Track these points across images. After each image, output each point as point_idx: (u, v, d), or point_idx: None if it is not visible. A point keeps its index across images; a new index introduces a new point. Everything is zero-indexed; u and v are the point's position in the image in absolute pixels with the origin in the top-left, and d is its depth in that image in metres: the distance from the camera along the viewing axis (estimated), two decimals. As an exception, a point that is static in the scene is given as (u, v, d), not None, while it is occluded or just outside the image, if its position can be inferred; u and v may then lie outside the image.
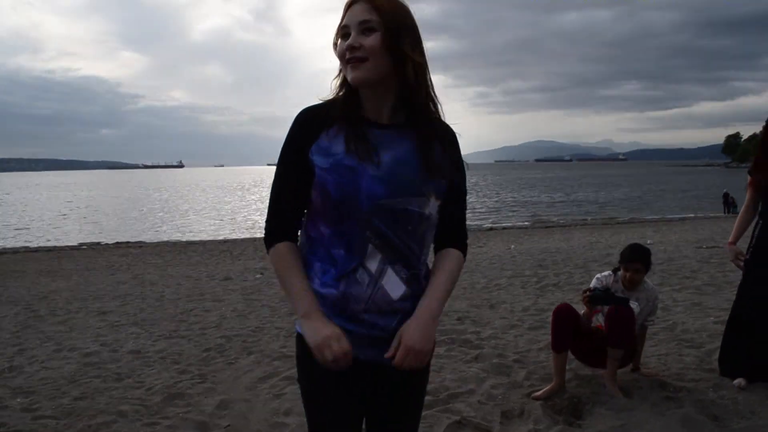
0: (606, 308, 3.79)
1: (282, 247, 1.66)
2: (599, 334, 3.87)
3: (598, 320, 3.95)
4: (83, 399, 4.35)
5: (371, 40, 1.56)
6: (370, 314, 1.63)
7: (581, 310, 3.89)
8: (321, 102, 1.69)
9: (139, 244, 22.32)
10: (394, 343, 1.61)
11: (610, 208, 37.16)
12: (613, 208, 36.45)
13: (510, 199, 46.16)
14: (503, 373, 4.39)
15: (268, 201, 1.74)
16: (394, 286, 1.64)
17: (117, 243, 23.28)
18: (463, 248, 1.81)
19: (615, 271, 4.01)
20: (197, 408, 4.07)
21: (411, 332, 1.61)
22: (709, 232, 16.18)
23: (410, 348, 1.59)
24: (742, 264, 3.99)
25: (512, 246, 14.92)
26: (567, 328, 3.79)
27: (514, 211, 35.91)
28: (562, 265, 9.88)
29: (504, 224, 25.86)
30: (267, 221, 1.70)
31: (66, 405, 4.23)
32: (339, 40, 1.62)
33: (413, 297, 1.67)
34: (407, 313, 1.66)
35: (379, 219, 1.60)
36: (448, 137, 1.73)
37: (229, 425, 3.75)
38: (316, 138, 1.63)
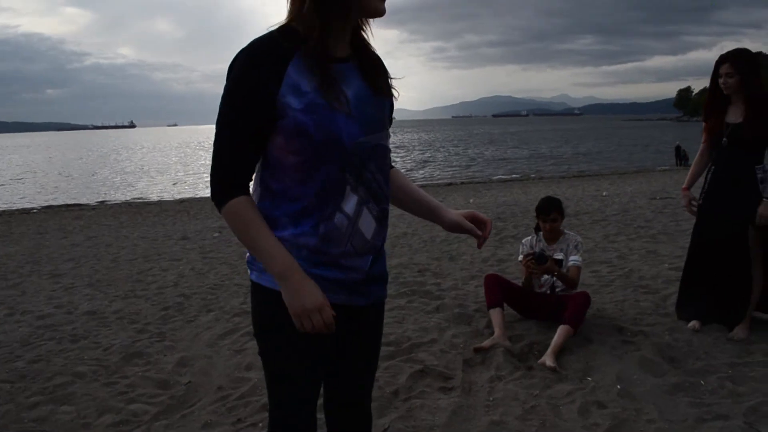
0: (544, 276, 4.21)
1: (239, 202, 1.51)
2: (530, 293, 4.31)
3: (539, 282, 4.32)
4: (38, 362, 4.24)
5: None
6: (347, 258, 1.60)
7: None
8: (271, 32, 1.52)
9: (93, 207, 21.75)
10: (468, 226, 1.80)
11: (565, 161, 37.68)
12: (569, 162, 36.96)
13: (472, 153, 46.36)
14: (464, 323, 4.43)
15: (213, 146, 1.54)
16: (368, 225, 1.61)
17: (69, 205, 22.64)
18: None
19: (536, 230, 4.37)
20: (157, 366, 4.00)
21: (468, 212, 1.84)
22: (662, 184, 16.57)
23: (487, 219, 1.85)
24: (695, 209, 4.07)
25: (471, 200, 15.04)
26: (495, 291, 4.20)
27: (472, 166, 36.12)
28: (521, 218, 10.00)
29: (462, 180, 26.07)
30: (215, 175, 1.54)
31: (20, 368, 4.11)
32: None
33: (382, 233, 1.67)
34: (377, 250, 1.67)
35: (357, 159, 1.55)
36: (382, 63, 1.69)
37: (190, 381, 3.69)
38: (283, 76, 1.47)
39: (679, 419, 2.85)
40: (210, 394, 3.50)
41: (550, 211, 4.21)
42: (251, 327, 3.91)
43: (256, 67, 1.47)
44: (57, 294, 6.55)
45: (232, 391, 3.50)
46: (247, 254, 1.67)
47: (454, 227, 1.82)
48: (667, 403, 3.03)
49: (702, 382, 3.22)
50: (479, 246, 1.85)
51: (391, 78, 1.70)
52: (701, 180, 4.12)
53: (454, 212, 1.82)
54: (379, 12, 1.54)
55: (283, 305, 1.55)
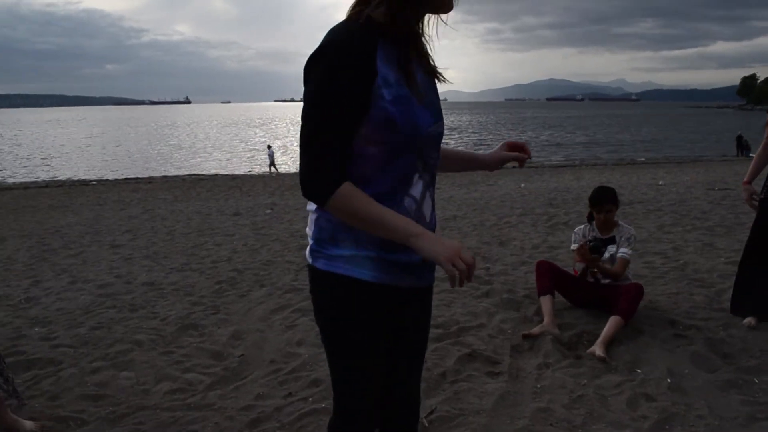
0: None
1: (347, 187, 1.49)
2: (582, 281, 4.23)
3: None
4: (99, 329, 4.43)
5: None
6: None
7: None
8: (347, 24, 1.52)
9: (149, 180, 22.38)
10: (511, 155, 1.94)
11: (621, 148, 36.77)
12: (625, 149, 36.05)
13: (525, 137, 45.73)
14: (513, 309, 4.43)
15: (303, 142, 1.50)
16: (428, 207, 1.67)
17: (126, 179, 23.36)
18: None
19: (589, 219, 4.30)
20: (211, 338, 4.15)
21: (501, 145, 1.97)
22: (721, 174, 16.03)
23: (523, 143, 1.97)
24: (756, 203, 3.95)
25: (522, 185, 14.86)
26: (546, 278, 4.17)
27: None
28: (573, 204, 9.85)
29: (513, 164, 25.66)
30: (314, 174, 1.49)
31: (83, 334, 4.31)
32: None
33: (434, 213, 1.74)
34: (432, 229, 1.72)
35: (428, 147, 1.62)
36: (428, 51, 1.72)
37: (243, 354, 3.82)
38: (375, 69, 1.47)
39: (731, 416, 2.81)
40: (262, 367, 3.61)
41: (605, 202, 4.13)
42: (302, 303, 3.95)
43: (347, 64, 1.45)
44: (116, 264, 6.81)
45: (283, 365, 3.60)
46: (311, 242, 1.67)
47: (498, 162, 1.96)
48: (719, 399, 2.98)
49: (756, 380, 3.15)
50: (521, 166, 1.98)
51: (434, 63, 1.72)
52: (764, 173, 3.99)
53: (491, 152, 1.96)
54: (448, 7, 1.56)
55: (357, 290, 1.59)
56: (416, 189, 1.61)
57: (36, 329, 4.48)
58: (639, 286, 3.98)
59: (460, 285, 1.47)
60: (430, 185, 1.67)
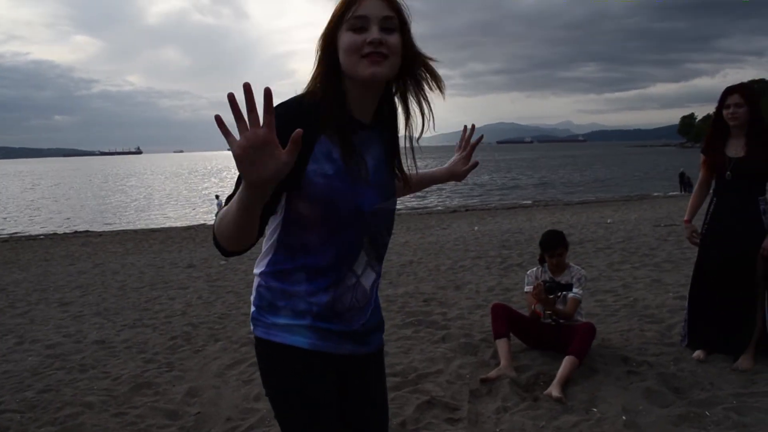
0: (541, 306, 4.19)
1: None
2: (536, 323, 4.30)
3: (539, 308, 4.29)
4: (48, 391, 4.28)
5: (394, 39, 1.51)
6: (351, 312, 1.66)
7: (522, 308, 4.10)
8: (298, 96, 1.52)
9: (99, 233, 21.87)
10: (466, 168, 2.10)
11: (571, 188, 37.76)
12: (574, 189, 37.03)
13: (472, 182, 46.52)
14: (470, 353, 4.46)
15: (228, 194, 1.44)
16: (368, 279, 1.67)
17: (76, 232, 22.79)
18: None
19: (541, 262, 4.40)
20: (166, 396, 4.04)
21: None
22: (666, 211, 16.60)
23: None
24: (697, 241, 4.12)
25: (476, 227, 15.08)
26: (502, 321, 4.22)
27: (475, 193, 36.22)
28: (525, 245, 10.03)
29: (467, 207, 26.14)
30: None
31: (30, 398, 4.15)
32: (346, 32, 1.50)
33: (376, 282, 1.74)
34: (374, 300, 1.74)
35: (373, 224, 1.62)
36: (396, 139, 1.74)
37: (199, 412, 3.73)
38: (315, 142, 1.48)
39: (685, 451, 2.87)
40: (219, 425, 3.53)
41: (556, 246, 4.24)
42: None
43: (288, 130, 1.37)
44: (65, 323, 6.60)
45: (240, 422, 3.52)
46: (252, 310, 1.68)
47: (458, 171, 2.09)
48: (673, 434, 3.04)
49: (707, 413, 3.23)
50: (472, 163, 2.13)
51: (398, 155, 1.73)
52: (703, 209, 4.17)
53: (446, 166, 2.10)
54: (370, 75, 1.49)
55: (296, 358, 1.59)
56: (359, 266, 1.63)
57: (-20, 394, 4.30)
58: (591, 325, 4.07)
59: (254, 143, 1.19)
60: (373, 260, 1.67)
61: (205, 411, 3.75)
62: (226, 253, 1.46)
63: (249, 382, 4.16)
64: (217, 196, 26.91)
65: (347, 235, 1.57)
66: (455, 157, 2.08)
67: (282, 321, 1.61)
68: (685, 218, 4.21)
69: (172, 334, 5.69)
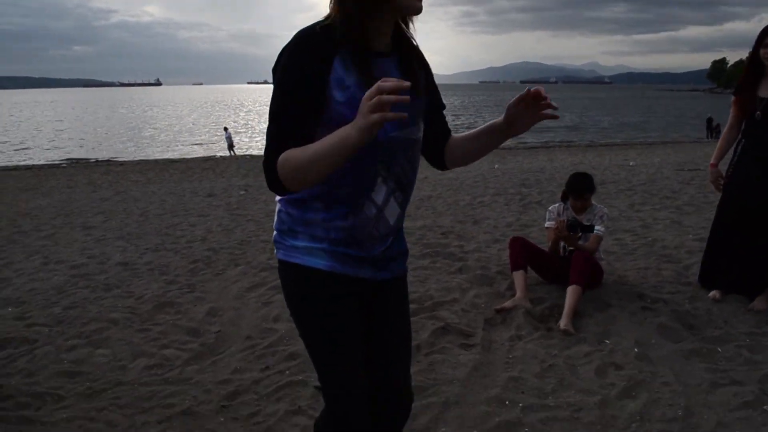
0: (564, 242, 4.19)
1: (281, 157, 1.47)
2: (554, 258, 4.32)
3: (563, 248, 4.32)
4: (74, 308, 4.41)
5: None
6: (372, 241, 1.69)
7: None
8: (312, 26, 1.53)
9: (120, 163, 22.07)
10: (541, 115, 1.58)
11: (594, 130, 37.14)
12: (600, 132, 36.43)
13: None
14: (486, 284, 4.51)
15: (266, 133, 1.52)
16: (392, 212, 1.69)
17: (97, 161, 23.02)
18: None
19: (563, 199, 4.34)
20: (187, 315, 4.16)
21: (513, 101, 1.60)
22: (691, 156, 16.33)
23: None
24: (721, 185, 4.06)
25: (496, 165, 14.96)
26: (520, 253, 4.23)
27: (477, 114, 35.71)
28: (546, 184, 9.97)
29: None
30: (266, 162, 1.50)
31: (57, 314, 4.29)
32: None
33: (402, 216, 1.76)
34: (397, 232, 1.77)
35: (389, 152, 1.61)
36: (423, 58, 1.73)
37: (219, 331, 3.84)
38: (330, 67, 1.49)
39: (695, 383, 2.91)
40: (239, 342, 3.64)
41: (584, 191, 4.18)
42: (278, 281, 4.02)
43: (306, 56, 1.48)
44: (89, 245, 6.74)
45: (260, 340, 3.63)
46: (275, 234, 1.72)
47: (516, 121, 1.62)
48: (684, 367, 3.09)
49: (719, 349, 3.27)
50: (551, 114, 1.59)
51: (429, 72, 1.74)
52: (729, 156, 4.10)
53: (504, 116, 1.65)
54: (416, 10, 1.53)
55: (316, 279, 1.64)
56: (379, 195, 1.63)
57: (9, 309, 4.44)
58: (584, 252, 4.05)
59: (393, 105, 1.29)
60: (396, 191, 1.67)
61: (225, 330, 3.86)
62: (285, 193, 1.53)
63: (268, 304, 4.26)
64: (225, 128, 26.75)
65: (362, 163, 1.56)
66: (512, 103, 1.60)
67: (301, 244, 1.65)
68: (712, 161, 4.14)
69: (193, 258, 5.80)
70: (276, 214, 1.72)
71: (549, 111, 1.57)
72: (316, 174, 1.44)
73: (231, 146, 25.30)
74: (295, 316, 1.75)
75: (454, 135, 1.85)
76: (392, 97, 1.28)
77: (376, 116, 1.29)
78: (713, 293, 4.04)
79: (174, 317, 4.13)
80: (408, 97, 1.31)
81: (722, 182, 4.06)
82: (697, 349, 3.27)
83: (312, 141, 1.48)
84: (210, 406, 2.88)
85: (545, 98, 1.54)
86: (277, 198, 1.71)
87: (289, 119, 1.50)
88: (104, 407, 2.91)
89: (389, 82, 1.29)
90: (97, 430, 2.70)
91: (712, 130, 28.98)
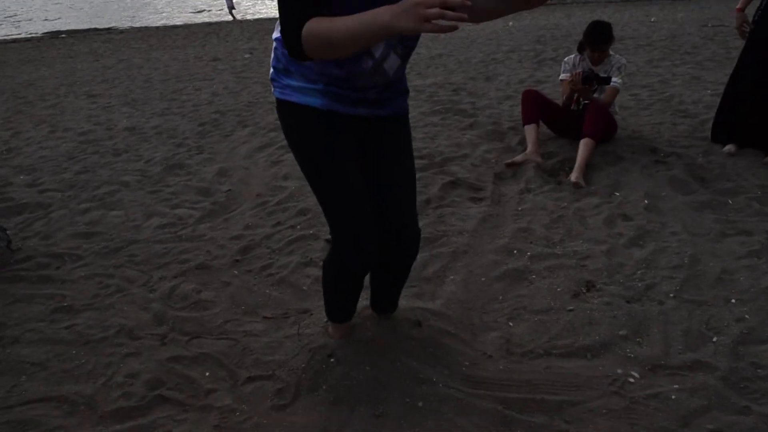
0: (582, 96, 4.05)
1: (307, 27, 1.41)
2: (567, 111, 4.19)
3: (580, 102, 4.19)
4: (85, 173, 4.44)
5: None
6: (366, 88, 1.68)
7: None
8: None
9: (120, 30, 21.40)
10: None
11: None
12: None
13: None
14: (497, 139, 4.44)
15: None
16: (392, 64, 1.65)
17: (97, 30, 22.32)
18: None
19: (580, 50, 4.14)
20: (198, 176, 4.17)
21: None
22: (716, 12, 15.48)
23: None
24: (747, 32, 3.84)
25: (511, 23, 14.33)
26: (532, 106, 4.11)
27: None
28: (562, 41, 9.57)
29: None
30: (285, 28, 1.45)
31: (69, 179, 4.32)
32: None
33: (403, 67, 1.71)
34: (397, 82, 1.75)
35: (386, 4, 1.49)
36: None
37: (230, 189, 3.87)
38: None
39: (703, 233, 2.92)
40: (249, 200, 3.67)
41: (602, 41, 3.95)
42: (286, 141, 3.96)
43: None
44: (95, 112, 6.68)
45: (270, 198, 3.66)
46: (271, 71, 1.73)
47: None
48: (693, 218, 3.08)
49: (730, 201, 3.25)
50: None
51: None
52: (757, 1, 3.85)
53: None
54: None
55: (311, 115, 1.65)
56: (377, 49, 1.58)
57: (21, 177, 4.48)
58: (599, 104, 3.95)
59: (453, 24, 1.22)
60: (398, 45, 1.62)
61: (236, 189, 3.88)
62: (306, 59, 1.49)
63: (277, 163, 4.25)
64: None
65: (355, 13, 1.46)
66: None
67: (295, 83, 1.67)
68: (738, 6, 3.89)
69: (200, 121, 5.74)
70: (273, 50, 1.70)
71: None
72: (343, 50, 1.40)
73: (231, 8, 24.27)
74: (294, 150, 1.77)
75: None
76: (455, 14, 1.19)
77: (430, 26, 1.21)
78: (728, 147, 3.96)
79: (184, 178, 4.15)
80: (466, 16, 1.22)
81: (747, 29, 3.84)
82: (707, 201, 3.25)
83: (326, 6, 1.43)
84: (224, 260, 2.95)
85: None
86: (274, 36, 1.68)
87: None
88: (121, 264, 2.99)
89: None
90: (116, 285, 2.79)
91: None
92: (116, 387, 2.08)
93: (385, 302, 2.23)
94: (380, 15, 1.31)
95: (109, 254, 3.11)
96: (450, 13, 1.19)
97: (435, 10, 1.20)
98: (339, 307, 2.11)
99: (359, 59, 1.59)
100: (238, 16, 24.31)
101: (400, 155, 1.86)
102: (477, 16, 1.66)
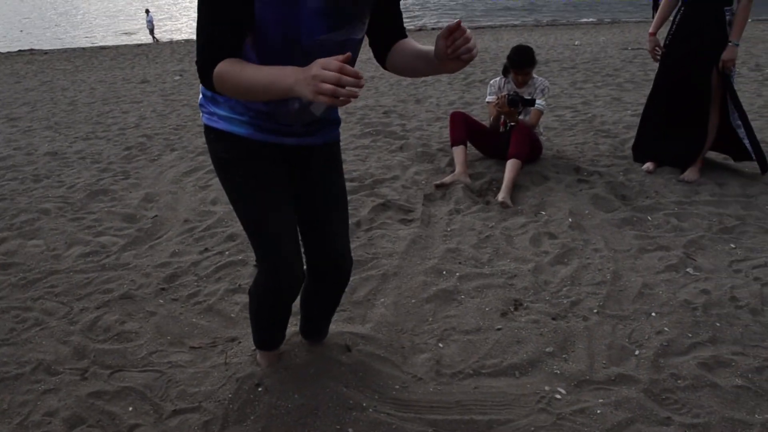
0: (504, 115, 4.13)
1: (220, 67, 1.43)
2: (494, 132, 4.30)
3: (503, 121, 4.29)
4: (2, 200, 4.24)
5: None
6: (295, 125, 1.70)
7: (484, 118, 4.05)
8: None
9: (45, 51, 20.67)
10: (443, 47, 1.45)
11: (538, 10, 36.53)
12: (542, 11, 35.85)
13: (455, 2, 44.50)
14: (427, 161, 4.51)
15: (196, 35, 1.49)
16: (319, 106, 1.69)
17: (19, 51, 21.49)
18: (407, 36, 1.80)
19: (505, 74, 4.27)
20: (123, 202, 4.04)
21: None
22: (635, 35, 16.29)
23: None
24: (659, 56, 4.05)
25: (441, 48, 14.68)
26: (460, 128, 4.18)
27: (443, 11, 34.79)
28: (490, 63, 9.85)
29: (433, 25, 25.23)
30: (200, 58, 1.46)
31: (-16, 207, 4.11)
32: None
33: (332, 108, 1.76)
34: (326, 121, 1.78)
35: (318, 53, 1.53)
36: None
37: (156, 216, 3.76)
38: None
39: (624, 249, 3.03)
40: (177, 226, 3.58)
41: (524, 65, 4.09)
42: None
43: None
44: (15, 137, 6.40)
45: (198, 223, 3.58)
46: (200, 97, 1.74)
47: (445, 57, 1.49)
48: (614, 235, 3.20)
49: (649, 218, 3.39)
50: (468, 55, 1.44)
51: None
52: (668, 26, 4.06)
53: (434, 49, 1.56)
54: None
55: (238, 142, 1.66)
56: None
57: (-69, 204, 4.23)
58: (525, 126, 4.05)
59: (346, 98, 1.26)
60: None
61: (163, 214, 3.78)
62: (218, 94, 1.54)
63: (205, 188, 4.17)
64: (147, 11, 24.90)
65: (283, 63, 1.49)
66: (441, 34, 1.47)
67: (222, 112, 1.67)
68: (650, 31, 4.10)
69: (126, 145, 5.58)
70: None
71: (464, 51, 1.42)
72: (251, 97, 1.44)
73: (152, 31, 23.83)
74: (220, 175, 1.76)
75: (406, 41, 1.71)
76: (351, 80, 1.24)
77: (324, 98, 1.25)
78: (647, 165, 4.14)
79: (108, 204, 4.01)
80: (358, 92, 1.26)
81: (659, 53, 4.05)
82: (627, 218, 3.38)
83: (244, 31, 1.45)
84: (149, 289, 2.86)
85: (461, 31, 1.40)
86: None
87: (220, 29, 1.43)
88: (40, 296, 2.85)
89: (351, 72, 1.25)
90: (34, 318, 2.66)
91: (657, 8, 28.87)
92: (33, 426, 1.97)
93: (315, 329, 2.21)
94: (286, 77, 1.34)
95: (26, 286, 2.96)
96: (343, 90, 1.23)
97: (329, 87, 1.23)
98: (267, 335, 2.07)
99: (285, 101, 1.60)
100: (164, 37, 23.91)
101: (331, 184, 1.86)
102: (399, 73, 1.71)
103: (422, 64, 1.61)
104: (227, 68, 1.41)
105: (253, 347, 2.23)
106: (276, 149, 1.72)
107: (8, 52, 21.16)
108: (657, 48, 4.05)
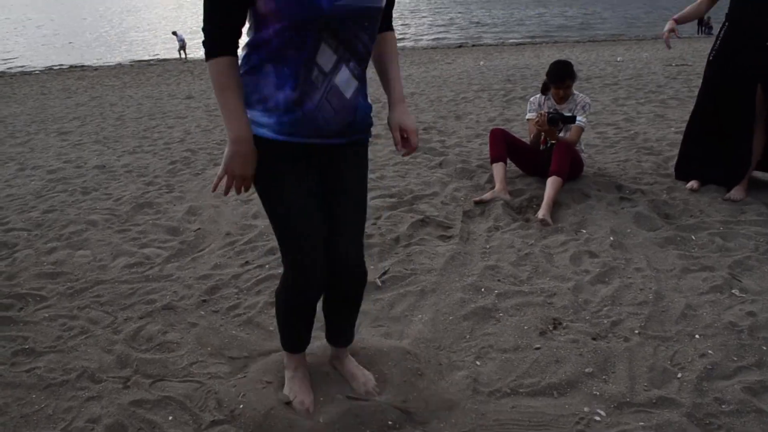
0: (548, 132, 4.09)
1: (224, 61, 1.59)
2: (534, 150, 4.28)
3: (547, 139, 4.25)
4: (52, 212, 4.38)
5: None
6: (327, 120, 1.70)
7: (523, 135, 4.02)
8: None
9: (95, 68, 21.38)
10: (397, 136, 1.84)
11: (581, 26, 36.22)
12: (585, 26, 35.53)
13: (482, 16, 44.47)
14: (466, 177, 4.51)
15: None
16: (346, 82, 1.68)
17: (71, 66, 22.27)
18: (392, 29, 1.90)
19: (544, 91, 4.24)
20: (167, 215, 4.14)
21: (406, 119, 1.84)
22: (680, 52, 16.00)
23: (414, 130, 1.85)
24: (671, 39, 4.00)
25: (482, 62, 14.65)
26: (500, 145, 4.18)
27: (484, 28, 34.76)
28: (531, 80, 9.80)
29: (474, 42, 25.27)
30: (209, 28, 1.58)
31: (36, 218, 4.26)
32: None
33: (362, 91, 1.76)
34: (356, 111, 1.76)
35: (336, 20, 1.56)
36: None
37: (199, 228, 3.84)
38: None
39: (666, 269, 2.97)
40: (218, 239, 3.65)
41: (563, 78, 4.06)
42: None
43: None
44: (65, 150, 6.63)
45: (239, 237, 3.64)
46: None
47: (391, 125, 1.88)
48: (657, 254, 3.14)
49: (693, 237, 3.32)
50: (403, 155, 1.90)
51: None
52: (705, 37, 4.00)
53: (398, 110, 1.85)
54: None
55: (262, 145, 1.69)
56: (324, 58, 1.61)
57: (-14, 216, 4.41)
58: (565, 142, 4.02)
59: (225, 193, 1.71)
60: (350, 60, 1.66)
61: (205, 227, 3.86)
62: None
63: (247, 202, 4.24)
64: (174, 33, 25.41)
65: (301, 27, 1.54)
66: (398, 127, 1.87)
67: (252, 115, 1.69)
68: (675, 16, 4.04)
69: (171, 159, 5.73)
70: None
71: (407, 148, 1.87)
72: (217, 99, 1.66)
73: (183, 47, 24.26)
74: (255, 179, 1.79)
75: (388, 40, 1.86)
76: (235, 187, 1.72)
77: (226, 181, 1.69)
78: (691, 183, 4.06)
79: (153, 217, 4.12)
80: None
81: (672, 36, 4.00)
82: (671, 237, 3.31)
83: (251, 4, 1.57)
84: (191, 300, 2.91)
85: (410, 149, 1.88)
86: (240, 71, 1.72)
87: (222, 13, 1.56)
88: (86, 305, 2.94)
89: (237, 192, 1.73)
90: (80, 326, 2.73)
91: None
92: (76, 432, 2.03)
93: (337, 332, 2.20)
94: (232, 134, 1.63)
95: (73, 295, 3.06)
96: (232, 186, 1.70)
97: (230, 183, 1.70)
98: (293, 336, 2.08)
99: (310, 70, 1.62)
100: (197, 55, 24.32)
101: (352, 184, 1.89)
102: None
103: (383, 85, 1.89)
104: (223, 70, 1.59)
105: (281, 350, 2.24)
106: (304, 149, 1.74)
107: (60, 68, 21.95)
108: (673, 31, 3.99)
